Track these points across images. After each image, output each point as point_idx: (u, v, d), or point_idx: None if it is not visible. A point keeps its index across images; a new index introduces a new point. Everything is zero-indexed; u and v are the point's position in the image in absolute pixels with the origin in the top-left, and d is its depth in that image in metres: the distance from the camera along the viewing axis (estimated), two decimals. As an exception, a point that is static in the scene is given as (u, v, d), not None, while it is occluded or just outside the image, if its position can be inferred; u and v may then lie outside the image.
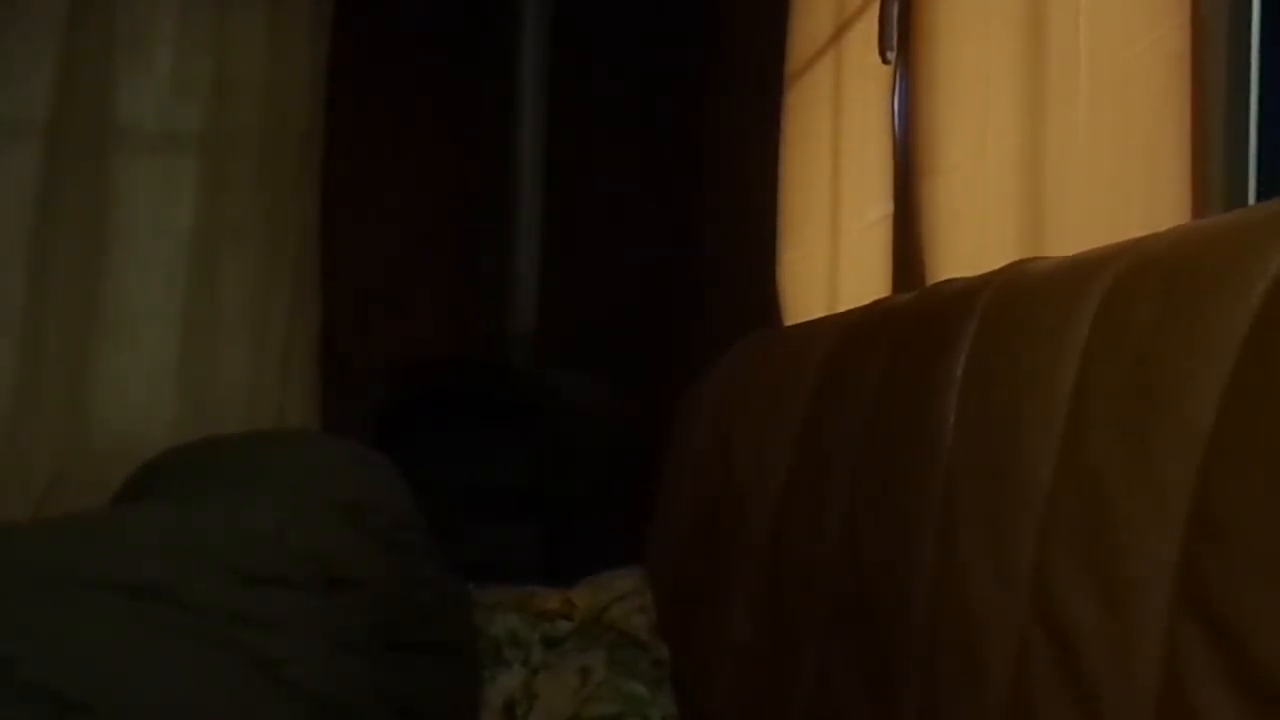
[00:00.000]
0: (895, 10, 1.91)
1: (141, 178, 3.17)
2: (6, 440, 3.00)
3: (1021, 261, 1.22)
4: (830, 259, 2.28)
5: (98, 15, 3.10)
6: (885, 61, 1.94)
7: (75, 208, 3.09)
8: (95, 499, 1.79)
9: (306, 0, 3.19)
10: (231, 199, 3.18)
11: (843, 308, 2.03)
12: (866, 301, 1.63)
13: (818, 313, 2.19)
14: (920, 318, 1.35)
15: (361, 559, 1.56)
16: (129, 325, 3.13)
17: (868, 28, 2.05)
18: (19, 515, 2.78)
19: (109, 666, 1.11)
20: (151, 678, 1.14)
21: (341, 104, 3.25)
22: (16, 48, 3.10)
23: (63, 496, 2.91)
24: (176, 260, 3.16)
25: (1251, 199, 1.16)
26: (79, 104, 3.10)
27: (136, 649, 1.15)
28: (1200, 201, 1.17)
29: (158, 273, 3.16)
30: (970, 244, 1.66)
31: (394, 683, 1.49)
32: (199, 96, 3.18)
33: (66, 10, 3.08)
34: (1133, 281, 0.94)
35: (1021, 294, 1.13)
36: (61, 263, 3.07)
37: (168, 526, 1.38)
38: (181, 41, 3.18)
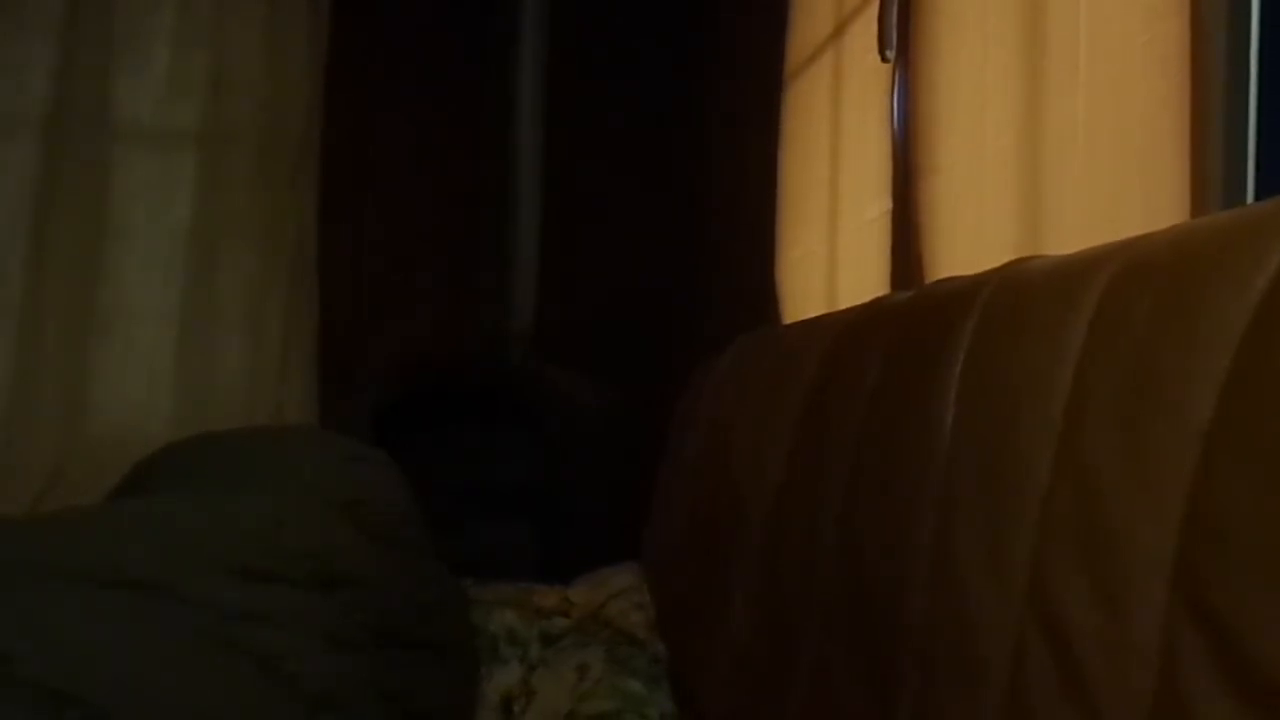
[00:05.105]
0: (894, 9, 1.91)
1: (139, 174, 3.16)
2: (4, 436, 2.99)
3: (1019, 260, 1.22)
4: (829, 257, 2.28)
5: (95, 11, 3.09)
6: (884, 60, 1.94)
7: (73, 204, 3.09)
8: (93, 494, 1.79)
9: (304, -2, 3.19)
10: (230, 196, 3.17)
11: (842, 305, 2.03)
12: (865, 299, 1.63)
13: (817, 310, 2.19)
14: (918, 316, 1.35)
15: (359, 556, 1.56)
16: (126, 321, 3.13)
17: (867, 26, 2.05)
18: (16, 511, 2.77)
19: (106, 662, 1.11)
20: (149, 673, 1.14)
21: (340, 101, 3.24)
22: (14, 43, 3.09)
23: (60, 492, 2.90)
24: (174, 257, 3.15)
25: (1250, 198, 1.16)
26: (77, 100, 3.09)
27: (134, 644, 1.15)
28: (1199, 200, 1.17)
29: (155, 269, 3.15)
30: (969, 242, 1.66)
31: (392, 679, 1.49)
32: (197, 93, 3.17)
33: (64, 6, 3.08)
34: (1130, 280, 0.94)
35: (1019, 292, 1.13)
36: (59, 259, 3.07)
37: (165, 522, 1.38)
38: (179, 38, 3.17)
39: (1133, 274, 0.94)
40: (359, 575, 1.51)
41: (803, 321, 2.03)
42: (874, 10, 1.98)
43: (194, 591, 1.22)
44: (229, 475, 1.62)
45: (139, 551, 1.26)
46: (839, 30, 2.27)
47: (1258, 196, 1.16)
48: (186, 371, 3.13)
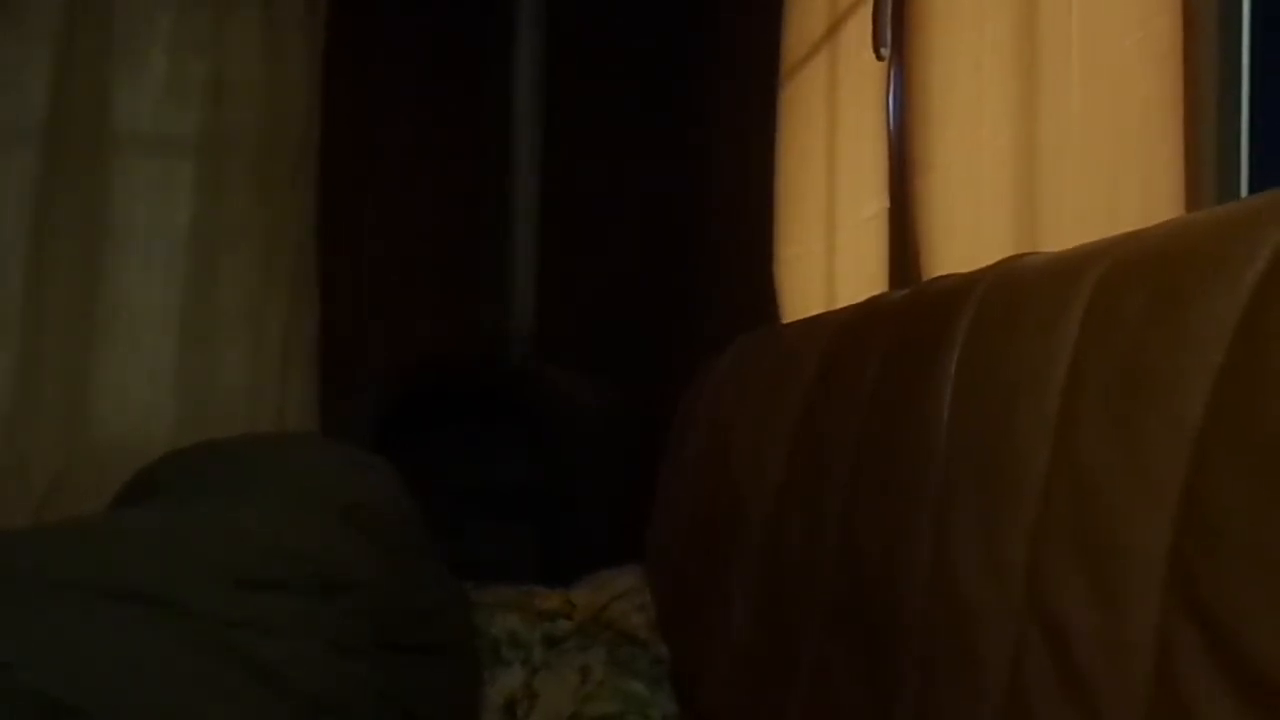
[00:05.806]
0: (889, 6, 1.91)
1: (139, 181, 3.17)
2: (6, 443, 3.00)
3: (1015, 257, 1.21)
4: (827, 255, 2.28)
5: (94, 19, 3.10)
6: (879, 58, 1.94)
7: (73, 211, 3.09)
8: (94, 502, 1.79)
9: (301, 3, 3.19)
10: (229, 201, 3.18)
11: (840, 303, 2.03)
12: (864, 297, 1.62)
13: (815, 308, 2.19)
14: (914, 314, 1.35)
15: (360, 561, 1.56)
16: (127, 328, 3.13)
17: (861, 24, 2.05)
18: (18, 519, 2.78)
19: (107, 672, 1.11)
20: (149, 682, 1.14)
21: (339, 103, 3.25)
22: (13, 51, 3.10)
23: (62, 500, 2.91)
24: (174, 263, 3.16)
25: (1244, 193, 1.16)
26: (76, 107, 3.10)
27: (134, 654, 1.15)
28: (1193, 196, 1.17)
29: (156, 276, 3.16)
30: (966, 239, 1.66)
31: (394, 684, 1.49)
32: (195, 100, 3.18)
33: (63, 14, 3.08)
34: (1122, 275, 0.94)
35: (1014, 289, 1.13)
36: (60, 266, 3.07)
37: (165, 531, 1.38)
38: (177, 45, 3.18)
39: (1125, 269, 0.94)
40: (360, 580, 1.52)
41: (802, 321, 2.02)
42: (868, 8, 1.98)
43: (194, 601, 1.23)
44: (229, 483, 1.62)
45: (140, 562, 1.26)
46: (834, 28, 2.26)
47: (1251, 192, 1.16)
48: (188, 375, 3.14)
